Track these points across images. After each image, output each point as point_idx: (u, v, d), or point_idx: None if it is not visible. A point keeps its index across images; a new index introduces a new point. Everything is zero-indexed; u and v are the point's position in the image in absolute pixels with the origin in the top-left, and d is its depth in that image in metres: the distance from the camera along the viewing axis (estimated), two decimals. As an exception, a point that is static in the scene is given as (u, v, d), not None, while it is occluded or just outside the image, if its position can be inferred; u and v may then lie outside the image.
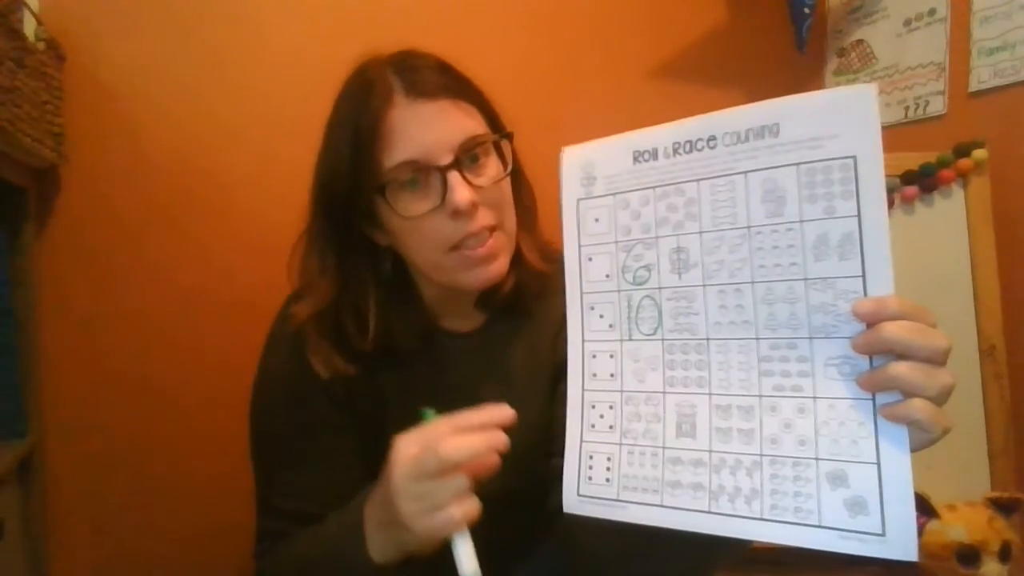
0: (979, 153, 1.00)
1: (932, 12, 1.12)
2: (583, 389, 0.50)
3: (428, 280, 0.66)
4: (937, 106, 1.10)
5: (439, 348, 0.70)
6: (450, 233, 0.59)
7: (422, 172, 0.58)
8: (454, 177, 0.58)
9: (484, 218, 0.60)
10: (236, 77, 1.12)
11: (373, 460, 0.66)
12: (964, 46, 1.06)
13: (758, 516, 0.42)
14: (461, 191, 0.57)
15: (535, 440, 0.70)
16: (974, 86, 1.05)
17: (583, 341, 0.51)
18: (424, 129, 0.58)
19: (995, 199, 1.00)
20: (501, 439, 0.49)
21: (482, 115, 0.63)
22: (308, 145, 1.22)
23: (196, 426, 1.12)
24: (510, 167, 0.63)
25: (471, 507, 0.48)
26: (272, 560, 0.64)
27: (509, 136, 0.64)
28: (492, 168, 0.62)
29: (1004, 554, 0.88)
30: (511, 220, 0.64)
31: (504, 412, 0.50)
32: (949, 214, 1.02)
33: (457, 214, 0.58)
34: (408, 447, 0.50)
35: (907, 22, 1.17)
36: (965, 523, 0.89)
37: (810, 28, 1.21)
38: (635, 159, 0.48)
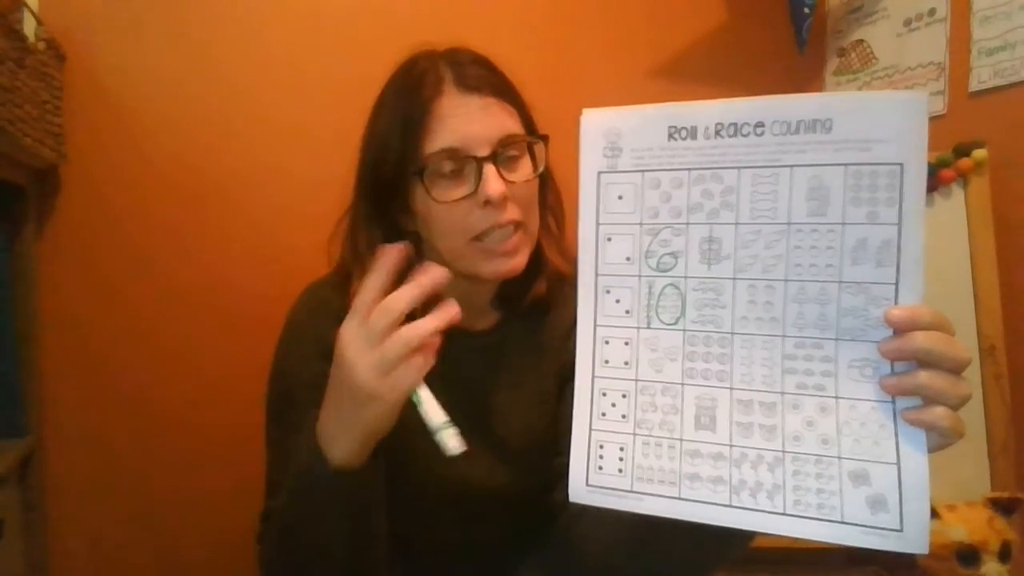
0: (979, 153, 1.00)
1: (932, 12, 1.12)
2: (593, 376, 0.48)
3: (445, 263, 0.68)
4: (937, 106, 1.10)
5: (452, 345, 0.70)
6: (477, 222, 0.61)
7: (460, 161, 0.61)
8: (489, 169, 0.60)
9: (511, 213, 0.62)
10: (236, 78, 1.12)
11: (390, 448, 0.67)
12: (964, 46, 1.06)
13: (781, 511, 0.43)
14: (495, 182, 0.60)
15: (541, 440, 0.70)
16: (974, 86, 1.05)
17: (595, 326, 0.48)
18: (468, 121, 0.61)
19: (995, 199, 1.00)
20: (433, 276, 0.52)
21: (520, 118, 0.66)
22: (306, 144, 1.22)
23: (195, 425, 1.12)
24: (541, 168, 0.65)
25: (425, 358, 0.51)
26: (266, 534, 0.65)
27: (544, 139, 0.67)
28: (525, 168, 0.64)
29: (1004, 554, 0.88)
30: (534, 221, 0.67)
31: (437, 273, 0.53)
32: (949, 214, 1.02)
33: (488, 204, 0.60)
34: (350, 326, 0.52)
35: (907, 22, 1.17)
36: (965, 523, 0.89)
37: (810, 28, 1.21)
38: (671, 135, 0.45)
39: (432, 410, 0.51)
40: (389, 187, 0.65)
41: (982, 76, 1.04)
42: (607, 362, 0.48)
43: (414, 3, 1.20)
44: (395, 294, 0.51)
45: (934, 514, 0.90)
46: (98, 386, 1.09)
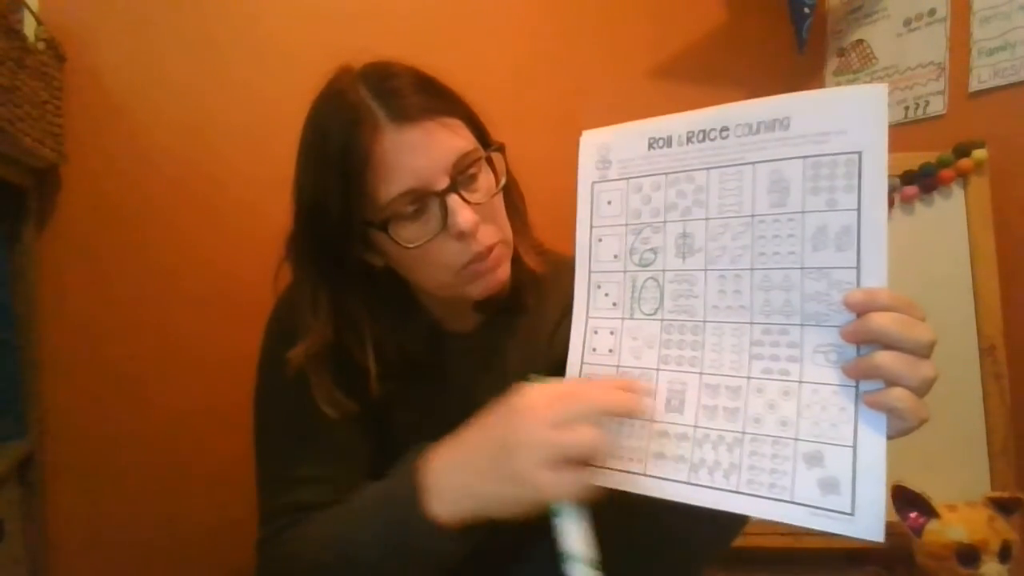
0: (979, 153, 1.00)
1: (932, 12, 1.12)
2: (582, 363, 0.52)
3: (426, 291, 0.66)
4: (937, 106, 1.10)
5: (440, 350, 0.70)
6: (457, 255, 0.58)
7: (420, 200, 0.57)
8: (454, 200, 0.56)
9: (487, 236, 0.59)
10: (236, 77, 1.12)
11: (378, 463, 0.65)
12: (964, 46, 1.06)
13: (734, 489, 0.44)
14: (464, 213, 0.56)
15: None
16: (974, 86, 1.05)
17: (587, 317, 0.53)
18: (416, 155, 0.56)
19: (995, 199, 1.00)
20: (645, 407, 0.48)
21: (468, 126, 0.61)
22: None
23: (195, 425, 1.12)
24: (503, 181, 0.62)
25: (592, 477, 0.45)
26: (283, 543, 0.60)
27: (501, 149, 0.63)
28: (485, 181, 0.61)
29: (1004, 554, 0.88)
30: (508, 228, 0.64)
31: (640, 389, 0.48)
32: (949, 214, 1.02)
33: (462, 236, 0.57)
34: (543, 392, 0.47)
35: (907, 22, 1.17)
36: (965, 523, 0.89)
37: (810, 28, 1.21)
38: (650, 146, 0.50)
39: (577, 535, 0.45)
40: (339, 237, 0.60)
41: (982, 76, 1.04)
42: (595, 350, 0.52)
43: (416, 4, 1.20)
44: (614, 394, 0.46)
45: (934, 514, 0.91)
46: (98, 386, 1.09)
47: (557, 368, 0.54)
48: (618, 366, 0.50)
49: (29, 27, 0.92)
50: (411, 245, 0.57)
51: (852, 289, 0.42)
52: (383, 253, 0.62)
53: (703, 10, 1.33)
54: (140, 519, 1.11)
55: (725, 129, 0.47)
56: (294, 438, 0.65)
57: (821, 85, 1.36)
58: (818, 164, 0.43)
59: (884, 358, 0.40)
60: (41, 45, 0.95)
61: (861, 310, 0.41)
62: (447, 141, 0.58)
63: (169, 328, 1.11)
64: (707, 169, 0.47)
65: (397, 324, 0.66)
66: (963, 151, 1.01)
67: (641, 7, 1.30)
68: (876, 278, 0.41)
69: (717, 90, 1.33)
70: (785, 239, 0.44)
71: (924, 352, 0.40)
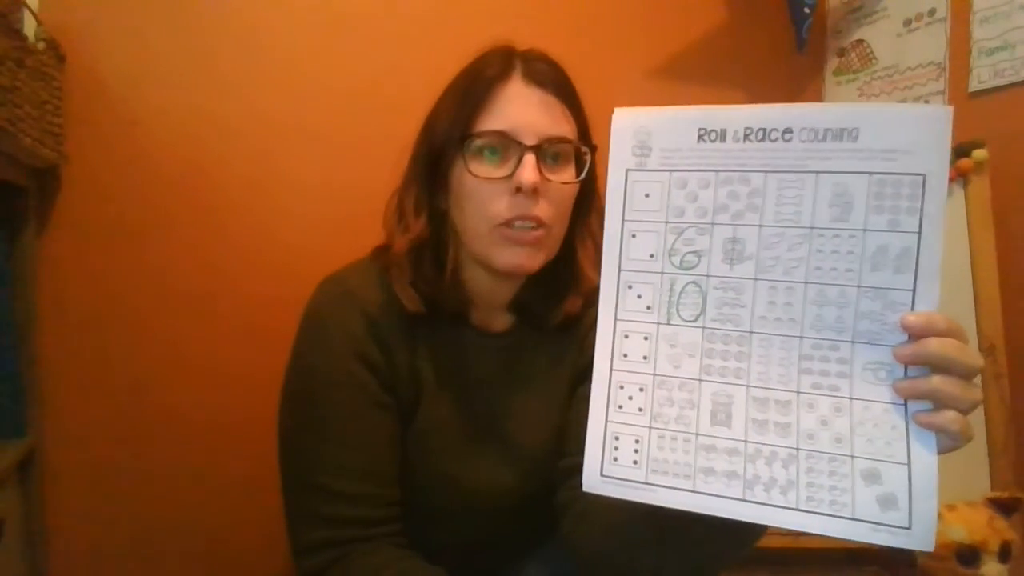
0: (979, 153, 1.00)
1: (932, 12, 1.12)
2: (611, 369, 0.49)
3: (470, 258, 0.68)
4: (937, 106, 1.10)
5: (470, 344, 0.71)
6: (505, 208, 0.62)
7: (505, 146, 0.63)
8: (529, 158, 0.61)
9: (540, 209, 0.62)
10: (236, 78, 1.12)
11: (403, 444, 0.67)
12: (964, 46, 1.06)
13: (793, 506, 0.43)
14: (530, 172, 0.61)
15: (551, 445, 0.70)
16: (974, 86, 1.05)
17: (616, 320, 0.49)
18: (524, 110, 0.63)
19: (995, 199, 1.00)
20: None
21: (576, 126, 0.67)
22: (307, 145, 1.22)
23: (195, 425, 1.12)
24: (582, 175, 0.66)
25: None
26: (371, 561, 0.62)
27: (593, 148, 0.67)
28: (567, 173, 0.66)
29: (1004, 554, 0.88)
30: (561, 227, 0.67)
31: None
32: (949, 214, 1.02)
33: (519, 192, 0.61)
34: None
35: (907, 22, 1.17)
36: (965, 523, 0.89)
37: (810, 28, 1.21)
38: (700, 137, 0.46)
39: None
40: (436, 157, 0.66)
41: (982, 76, 1.04)
42: (626, 356, 0.49)
43: (416, 6, 1.20)
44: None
45: (934, 514, 0.91)
46: (98, 386, 1.09)
47: (582, 374, 0.54)
48: (654, 374, 0.48)
49: (29, 27, 0.92)
50: (475, 174, 0.62)
51: (906, 311, 0.42)
52: (450, 189, 0.66)
53: (703, 10, 1.33)
54: (140, 518, 1.11)
55: (788, 131, 0.44)
56: (333, 437, 0.65)
57: (821, 85, 1.36)
58: (883, 182, 0.42)
59: (939, 382, 0.41)
60: (41, 45, 0.95)
61: (919, 334, 0.42)
62: (556, 117, 0.65)
63: (169, 328, 1.11)
64: (765, 172, 0.45)
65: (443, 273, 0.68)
66: (963, 151, 1.01)
67: (640, 6, 1.30)
68: (930, 301, 0.42)
69: (717, 90, 1.33)
70: (844, 256, 0.43)
71: (974, 376, 0.42)
